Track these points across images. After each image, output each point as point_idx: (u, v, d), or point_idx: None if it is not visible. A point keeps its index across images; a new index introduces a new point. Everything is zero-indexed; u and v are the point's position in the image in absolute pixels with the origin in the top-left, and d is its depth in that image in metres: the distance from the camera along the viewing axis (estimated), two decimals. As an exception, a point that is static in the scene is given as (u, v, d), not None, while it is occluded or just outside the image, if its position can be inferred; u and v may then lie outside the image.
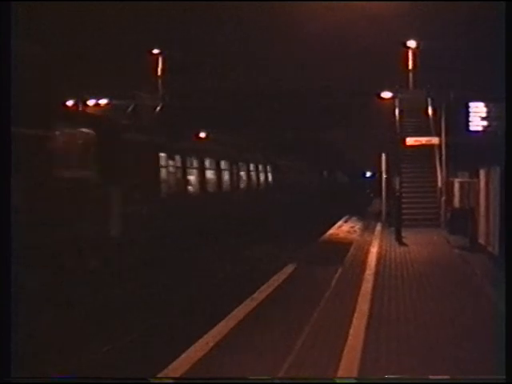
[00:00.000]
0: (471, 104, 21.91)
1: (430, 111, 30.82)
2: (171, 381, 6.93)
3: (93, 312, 13.04)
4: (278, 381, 6.30)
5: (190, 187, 23.24)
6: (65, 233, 14.33)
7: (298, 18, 33.56)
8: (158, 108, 36.20)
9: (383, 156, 29.55)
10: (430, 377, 6.86)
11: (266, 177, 33.52)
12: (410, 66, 34.16)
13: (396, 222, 23.09)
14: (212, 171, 25.48)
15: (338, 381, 6.71)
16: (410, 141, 27.51)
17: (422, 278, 14.85)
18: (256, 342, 9.24)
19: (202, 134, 44.99)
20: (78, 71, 32.13)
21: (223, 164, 26.68)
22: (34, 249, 12.65)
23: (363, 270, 15.71)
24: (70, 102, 33.76)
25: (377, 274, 15.24)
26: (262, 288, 13.43)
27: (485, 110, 21.76)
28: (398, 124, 29.41)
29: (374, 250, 19.63)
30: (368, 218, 33.00)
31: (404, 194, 24.75)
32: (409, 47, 33.66)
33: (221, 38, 35.46)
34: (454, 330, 9.85)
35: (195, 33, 35.51)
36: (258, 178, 32.21)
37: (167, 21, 33.36)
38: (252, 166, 31.08)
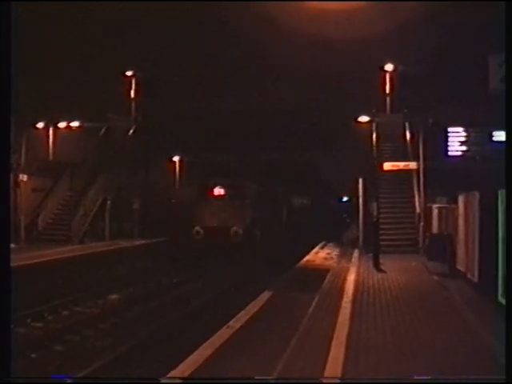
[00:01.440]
0: (450, 129, 22.10)
1: (407, 136, 31.21)
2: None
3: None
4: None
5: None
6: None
7: (273, 41, 33.67)
8: (131, 130, 36.07)
9: (360, 180, 29.61)
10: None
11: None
12: (388, 90, 34.35)
13: (374, 249, 23.11)
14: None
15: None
16: (387, 165, 27.92)
17: (400, 305, 14.83)
18: (231, 372, 9.12)
19: (176, 158, 45.20)
20: (48, 93, 32.01)
21: None
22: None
23: (340, 298, 15.63)
24: (40, 125, 33.79)
25: (354, 301, 15.17)
26: (239, 315, 13.31)
27: (464, 134, 21.94)
28: (375, 148, 30.03)
29: (351, 277, 19.52)
30: (345, 245, 33.16)
31: (382, 220, 24.74)
32: (386, 71, 33.85)
33: (195, 59, 35.41)
34: (434, 358, 9.80)
35: (168, 54, 35.46)
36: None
37: (140, 42, 33.33)
38: None
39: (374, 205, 27.01)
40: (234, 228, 30.58)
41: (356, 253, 27.84)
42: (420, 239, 26.28)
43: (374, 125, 31.28)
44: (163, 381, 6.17)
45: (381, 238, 24.07)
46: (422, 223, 26.56)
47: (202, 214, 31.16)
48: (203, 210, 31.24)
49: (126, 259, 28.17)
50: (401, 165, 28.01)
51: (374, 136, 30.73)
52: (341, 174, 49.57)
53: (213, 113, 35.99)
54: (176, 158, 46.18)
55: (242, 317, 13.34)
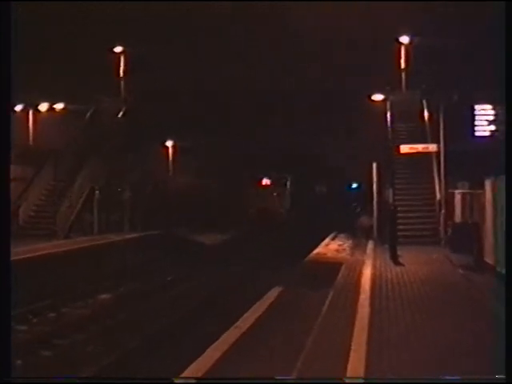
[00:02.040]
0: (477, 106, 21.86)
1: (425, 115, 31.23)
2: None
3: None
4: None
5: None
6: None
7: (277, 10, 33.60)
8: (121, 113, 36.00)
9: (374, 165, 29.59)
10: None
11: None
12: (403, 65, 34.30)
13: (390, 239, 23.17)
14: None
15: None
16: (404, 148, 27.73)
17: (423, 301, 14.89)
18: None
19: (170, 142, 45.07)
20: (28, 71, 31.91)
21: None
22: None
23: (357, 293, 15.68)
24: (18, 107, 33.71)
25: (372, 297, 15.19)
26: (246, 315, 13.31)
27: (492, 112, 21.69)
28: (389, 129, 29.71)
29: (367, 271, 19.61)
30: (357, 235, 33.16)
31: (398, 208, 24.80)
32: (401, 43, 33.74)
33: (191, 31, 35.34)
34: (461, 359, 9.86)
35: (162, 26, 35.29)
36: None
37: (130, 13, 33.15)
38: None
39: (390, 191, 27.13)
40: (279, 209, 50.12)
41: (370, 244, 27.99)
42: (441, 229, 26.31)
43: (388, 103, 31.06)
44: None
45: (398, 227, 23.96)
46: (443, 211, 26.55)
47: (254, 199, 49.80)
48: (255, 196, 50.34)
49: (117, 254, 28.22)
50: (419, 147, 27.89)
51: (389, 116, 30.56)
52: (351, 159, 49.54)
53: (215, 93, 35.78)
54: (170, 144, 46.00)
55: (250, 316, 13.32)
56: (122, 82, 37.42)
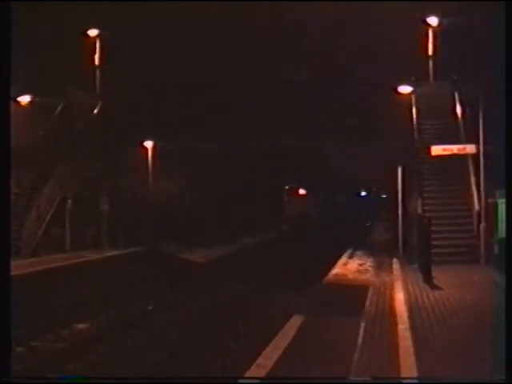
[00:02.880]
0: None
1: (458, 110, 30.94)
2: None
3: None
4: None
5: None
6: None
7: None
8: (97, 109, 35.44)
9: (399, 170, 29.32)
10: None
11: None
12: (431, 51, 33.94)
13: (423, 258, 22.91)
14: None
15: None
16: (436, 150, 27.50)
17: (476, 333, 14.43)
18: None
19: (149, 143, 44.19)
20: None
21: None
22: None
23: (394, 323, 15.30)
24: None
25: (413, 328, 14.71)
26: (266, 351, 12.77)
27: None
28: (416, 128, 29.43)
29: (399, 296, 19.28)
30: (378, 252, 33.28)
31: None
32: (429, 25, 33.41)
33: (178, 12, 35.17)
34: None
35: (144, 8, 34.97)
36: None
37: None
38: None
39: (419, 201, 27.16)
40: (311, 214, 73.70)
41: (396, 263, 27.66)
42: (481, 245, 25.77)
43: (414, 97, 30.82)
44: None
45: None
46: (483, 224, 25.95)
47: (292, 206, 71.90)
48: (293, 204, 72.21)
49: (93, 276, 27.67)
50: (454, 148, 27.39)
51: (415, 111, 30.23)
52: (364, 163, 49.47)
53: (203, 86, 35.58)
54: (150, 145, 45.11)
55: (273, 352, 12.83)
56: (98, 72, 36.85)
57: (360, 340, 13.66)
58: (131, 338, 19.48)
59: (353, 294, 20.63)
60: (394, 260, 28.62)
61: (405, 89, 28.63)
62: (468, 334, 14.46)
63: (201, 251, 37.55)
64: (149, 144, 43.07)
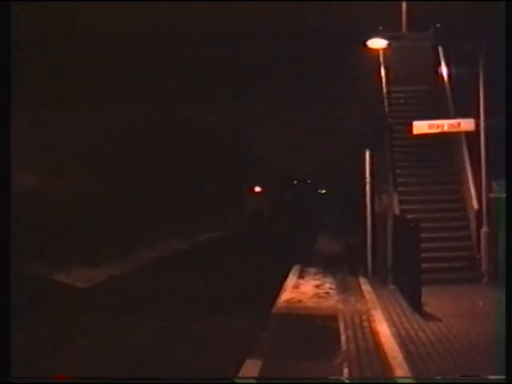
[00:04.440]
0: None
1: (443, 71, 30.81)
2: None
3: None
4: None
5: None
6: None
7: None
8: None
9: (367, 154, 28.74)
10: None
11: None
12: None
13: (408, 277, 22.71)
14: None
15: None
16: (419, 126, 26.84)
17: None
18: None
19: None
20: None
21: None
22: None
23: (389, 368, 15.17)
24: None
25: (417, 373, 14.52)
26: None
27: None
28: (385, 96, 30.25)
29: (384, 330, 19.25)
30: (336, 267, 33.44)
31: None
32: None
33: None
34: None
35: None
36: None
37: None
38: None
39: (395, 197, 27.22)
40: (265, 210, 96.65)
41: (365, 284, 27.53)
42: (483, 257, 25.26)
43: (381, 54, 30.50)
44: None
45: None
46: (484, 229, 25.27)
47: (251, 202, 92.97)
48: (251, 200, 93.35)
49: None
50: (445, 124, 26.62)
51: (383, 73, 30.43)
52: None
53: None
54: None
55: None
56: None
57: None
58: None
59: (319, 327, 20.39)
60: (362, 279, 28.41)
61: (375, 42, 27.56)
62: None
63: (86, 270, 35.33)
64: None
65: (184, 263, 42.36)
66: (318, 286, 28.50)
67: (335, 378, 11.73)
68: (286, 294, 26.69)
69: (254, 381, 11.70)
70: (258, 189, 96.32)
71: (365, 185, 29.16)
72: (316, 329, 20.16)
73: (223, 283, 32.92)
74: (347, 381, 11.75)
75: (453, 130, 26.86)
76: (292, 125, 44.88)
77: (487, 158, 25.64)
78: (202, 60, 36.08)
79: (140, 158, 50.90)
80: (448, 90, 29.92)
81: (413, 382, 11.03)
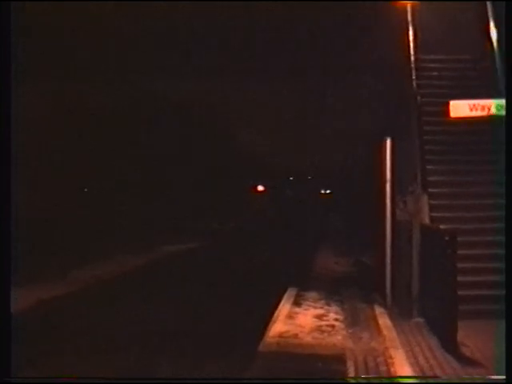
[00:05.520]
0: None
1: (493, 38, 29.83)
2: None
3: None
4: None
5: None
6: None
7: None
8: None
9: (387, 145, 27.43)
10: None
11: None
12: None
13: (442, 309, 21.88)
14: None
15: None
16: (459, 107, 25.86)
17: None
18: None
19: None
20: None
21: None
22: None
23: None
24: None
25: None
26: None
27: None
28: (413, 67, 29.77)
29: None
30: (345, 294, 32.59)
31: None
32: None
33: None
34: None
35: None
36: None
37: None
38: None
39: (424, 200, 26.52)
40: (269, 210, 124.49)
41: (383, 315, 26.63)
42: None
43: (409, 10, 30.57)
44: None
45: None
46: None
47: (253, 201, 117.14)
48: (253, 200, 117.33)
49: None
50: (492, 106, 25.56)
51: (411, 37, 30.23)
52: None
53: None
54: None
55: None
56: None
57: None
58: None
59: (320, 371, 19.57)
60: (378, 309, 27.50)
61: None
62: None
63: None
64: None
65: (141, 283, 39.99)
66: (319, 317, 27.64)
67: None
68: (278, 327, 25.81)
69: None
70: (261, 188, 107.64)
71: (383, 184, 27.97)
72: (317, 374, 19.37)
73: (190, 311, 30.67)
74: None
75: (502, 113, 25.59)
76: (291, 110, 44.47)
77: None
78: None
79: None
80: (498, 59, 28.91)
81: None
